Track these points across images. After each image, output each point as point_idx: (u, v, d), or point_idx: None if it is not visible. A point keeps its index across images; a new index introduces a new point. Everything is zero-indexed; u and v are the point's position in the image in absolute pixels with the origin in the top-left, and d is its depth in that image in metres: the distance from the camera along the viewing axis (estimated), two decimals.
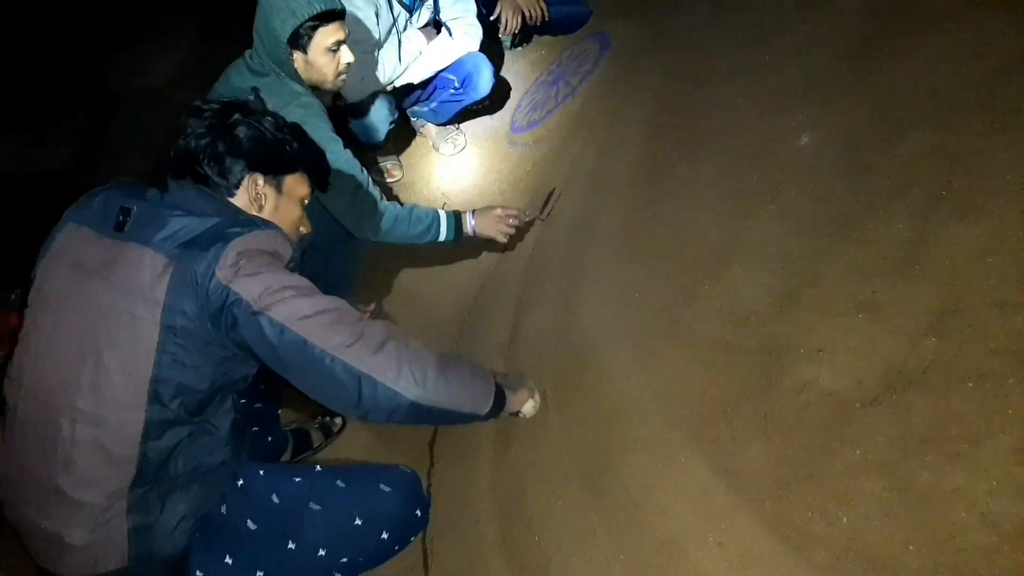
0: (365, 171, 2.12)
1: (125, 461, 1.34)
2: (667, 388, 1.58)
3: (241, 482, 1.48)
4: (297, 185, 1.59)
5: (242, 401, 1.59)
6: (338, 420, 2.21)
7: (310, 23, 1.97)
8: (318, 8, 1.97)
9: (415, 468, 1.92)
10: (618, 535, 1.42)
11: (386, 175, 3.19)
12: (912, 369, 1.29)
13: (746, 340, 1.54)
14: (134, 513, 1.34)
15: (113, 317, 1.33)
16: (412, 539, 1.67)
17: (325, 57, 2.06)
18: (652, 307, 1.76)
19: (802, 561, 1.18)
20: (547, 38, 3.42)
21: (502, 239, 2.31)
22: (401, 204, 2.21)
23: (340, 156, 2.04)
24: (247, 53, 2.13)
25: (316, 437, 2.16)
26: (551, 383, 1.81)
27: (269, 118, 1.54)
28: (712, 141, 2.03)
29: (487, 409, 1.49)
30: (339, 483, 1.56)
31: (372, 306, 2.51)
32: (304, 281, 1.38)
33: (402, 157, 3.27)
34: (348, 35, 2.09)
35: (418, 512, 1.65)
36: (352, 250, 2.43)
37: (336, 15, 2.04)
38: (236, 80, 2.09)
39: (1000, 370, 1.18)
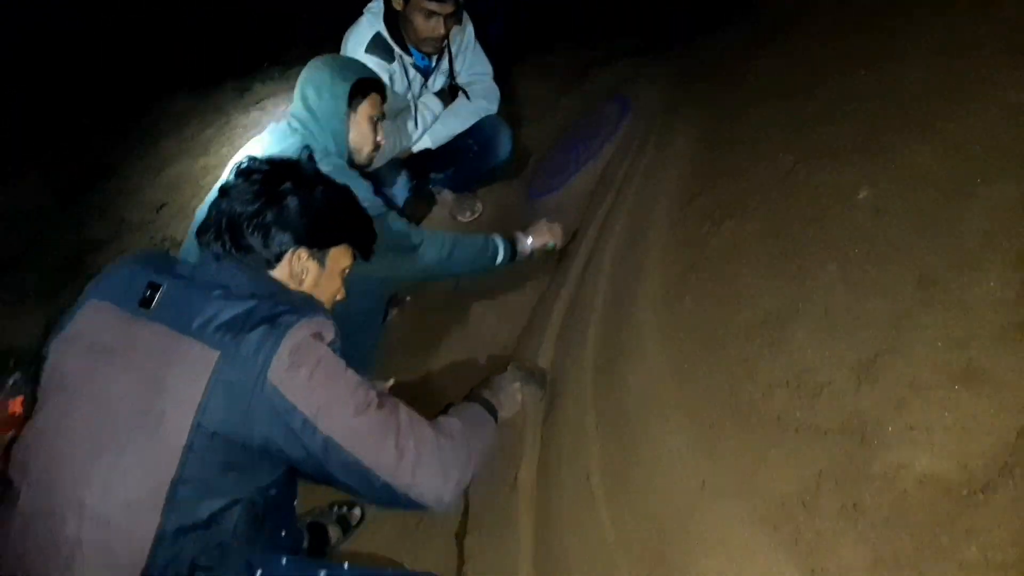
0: (402, 219, 2.08)
1: (131, 567, 1.18)
2: (734, 476, 1.40)
3: (259, 572, 1.31)
4: (341, 257, 1.50)
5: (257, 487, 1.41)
6: (356, 512, 2.02)
7: (361, 85, 2.05)
8: (367, 73, 2.11)
9: (443, 565, 1.73)
10: None
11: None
12: None
13: (822, 418, 1.37)
14: None
15: (137, 410, 1.21)
16: None
17: (368, 125, 2.09)
18: (707, 380, 1.59)
19: None
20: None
21: (559, 240, 2.36)
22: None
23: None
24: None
25: (333, 532, 1.96)
26: (596, 469, 1.63)
27: (320, 187, 1.45)
28: (757, 199, 1.89)
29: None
30: None
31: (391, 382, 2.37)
32: (357, 388, 1.29)
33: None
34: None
35: None
36: (373, 330, 2.32)
37: (382, 87, 2.14)
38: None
39: None
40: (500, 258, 2.18)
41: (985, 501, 1.10)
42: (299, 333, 1.22)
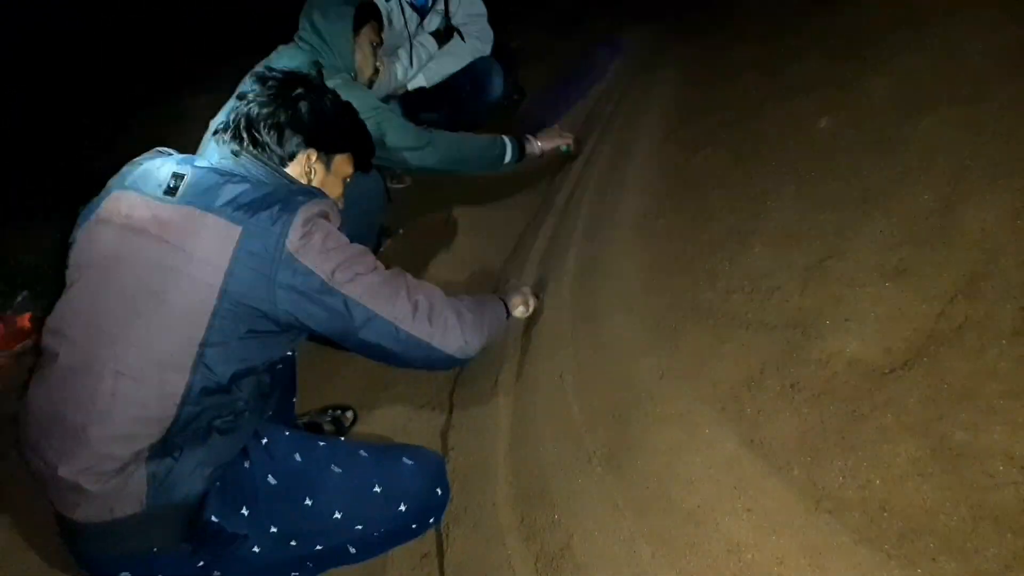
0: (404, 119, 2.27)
1: (159, 421, 1.32)
2: (690, 366, 1.55)
3: (265, 440, 1.47)
4: (344, 164, 1.63)
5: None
6: (349, 414, 2.17)
7: (363, 10, 2.22)
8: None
9: None
10: (642, 509, 1.38)
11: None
12: (943, 331, 1.26)
13: (770, 316, 1.52)
14: (153, 461, 1.31)
15: (172, 278, 1.33)
16: (431, 521, 1.63)
17: (370, 48, 2.26)
18: (673, 289, 1.74)
19: (836, 523, 1.15)
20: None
21: (570, 142, 2.54)
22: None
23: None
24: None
25: (328, 430, 2.12)
26: (569, 368, 1.79)
27: (329, 96, 1.59)
28: (730, 129, 2.03)
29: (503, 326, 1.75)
30: (362, 452, 1.55)
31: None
32: (365, 252, 1.43)
33: None
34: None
35: (439, 491, 1.62)
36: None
37: (380, 16, 2.32)
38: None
39: None
40: (508, 157, 2.33)
41: (902, 376, 1.26)
42: (311, 209, 1.36)
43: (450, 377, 2.13)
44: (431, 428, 2.02)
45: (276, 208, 1.33)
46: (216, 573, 1.46)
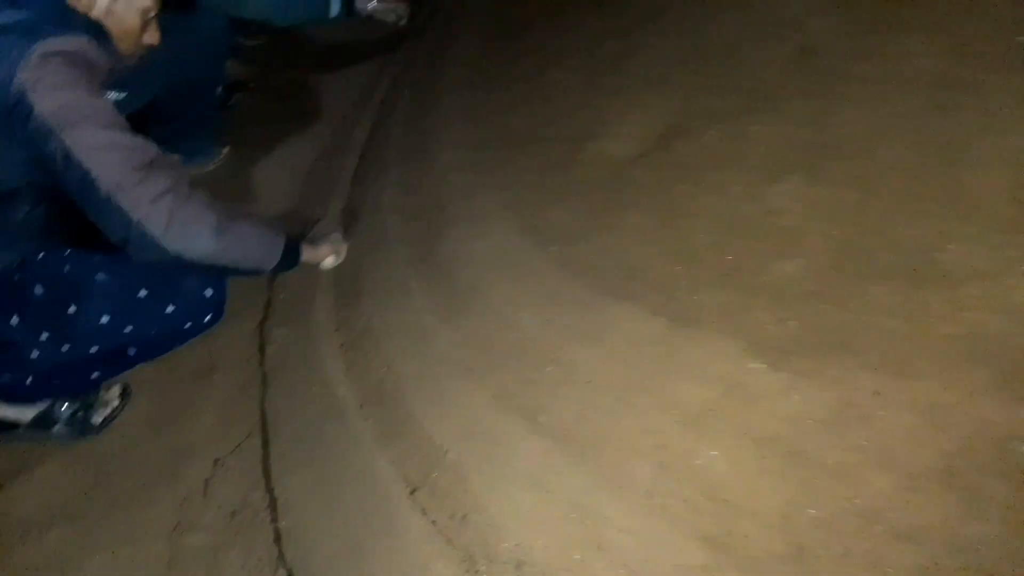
0: None
1: None
2: (489, 175, 1.72)
3: (42, 255, 1.48)
4: None
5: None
6: None
7: None
8: None
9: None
10: (431, 288, 1.56)
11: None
12: (681, 124, 1.47)
13: (560, 131, 1.70)
14: None
15: None
16: (207, 320, 1.62)
17: None
18: (490, 120, 1.91)
19: (574, 278, 1.35)
20: None
21: (404, 15, 2.25)
22: None
23: None
24: None
25: None
26: (392, 188, 1.92)
27: None
28: None
29: (272, 266, 1.47)
30: None
31: (226, 149, 2.52)
32: (107, 108, 1.29)
33: None
34: None
35: (210, 291, 1.57)
36: (211, 95, 2.45)
37: None
38: None
39: (746, 109, 1.37)
40: (334, 10, 2.27)
41: (643, 163, 1.46)
42: (54, 45, 1.24)
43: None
44: None
45: (19, 35, 1.23)
46: (6, 375, 1.52)
